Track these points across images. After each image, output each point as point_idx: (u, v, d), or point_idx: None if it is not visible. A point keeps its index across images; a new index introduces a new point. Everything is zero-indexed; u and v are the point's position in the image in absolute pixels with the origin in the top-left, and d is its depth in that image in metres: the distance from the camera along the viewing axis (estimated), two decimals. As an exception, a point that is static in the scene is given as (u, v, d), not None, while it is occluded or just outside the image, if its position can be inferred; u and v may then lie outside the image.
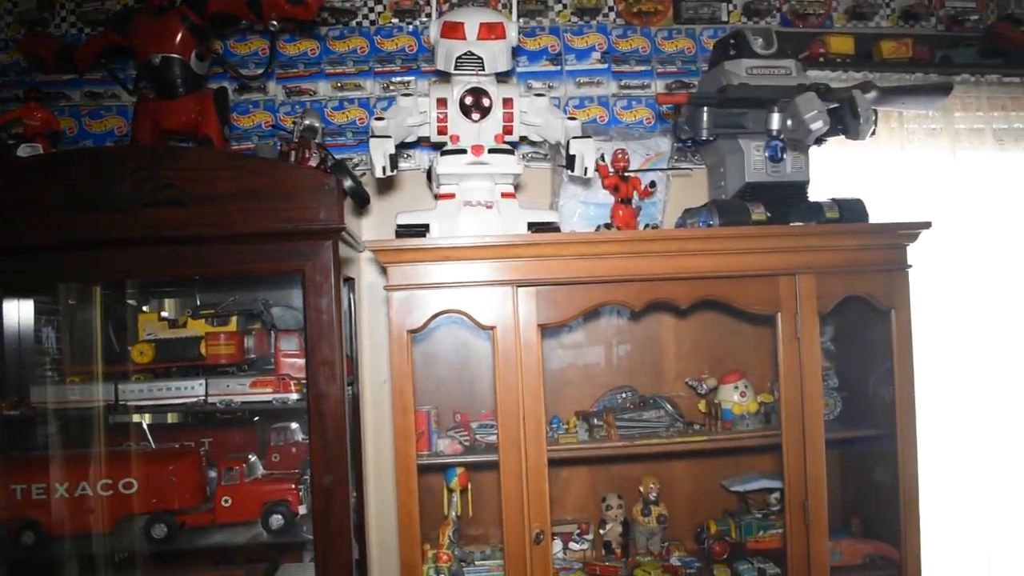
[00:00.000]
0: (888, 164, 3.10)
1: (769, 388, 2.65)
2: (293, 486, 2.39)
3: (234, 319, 2.50)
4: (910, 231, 2.49)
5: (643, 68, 3.02)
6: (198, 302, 2.65)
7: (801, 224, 2.51)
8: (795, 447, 2.45)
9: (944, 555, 3.18)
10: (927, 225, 2.48)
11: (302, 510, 2.36)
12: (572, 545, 2.72)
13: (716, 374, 2.71)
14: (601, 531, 2.74)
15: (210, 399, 2.36)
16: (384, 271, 2.33)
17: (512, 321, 2.34)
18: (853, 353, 2.78)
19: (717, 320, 2.87)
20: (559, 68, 3.01)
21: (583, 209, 2.79)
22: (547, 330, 2.40)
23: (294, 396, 2.37)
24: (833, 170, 2.98)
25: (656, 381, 2.86)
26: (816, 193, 2.61)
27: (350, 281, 2.68)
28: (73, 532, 2.36)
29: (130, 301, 2.60)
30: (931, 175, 3.15)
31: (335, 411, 2.24)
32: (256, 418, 2.71)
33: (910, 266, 2.51)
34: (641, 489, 2.72)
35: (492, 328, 2.34)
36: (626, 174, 2.51)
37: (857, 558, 2.62)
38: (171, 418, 2.73)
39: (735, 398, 2.63)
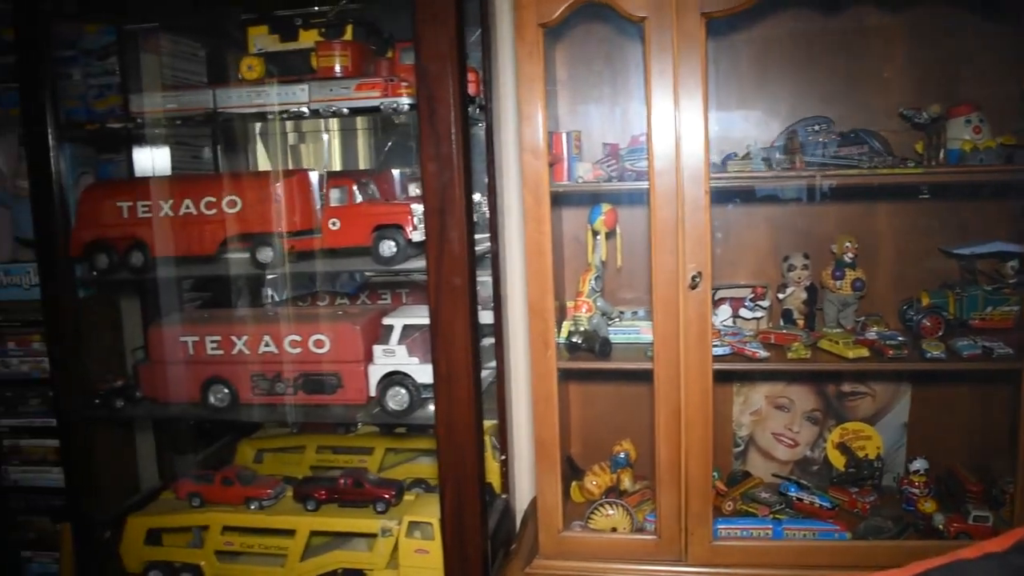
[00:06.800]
0: None
1: (1014, 131, 2.00)
2: (408, 211, 2.06)
3: (349, 28, 2.18)
4: None
5: None
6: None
7: None
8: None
9: None
10: None
11: (416, 236, 2.03)
12: (743, 312, 2.25)
13: (943, 105, 2.08)
14: (780, 296, 2.25)
15: (312, 105, 2.06)
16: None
17: (670, 8, 1.84)
18: None
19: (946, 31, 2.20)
20: None
21: None
22: (716, 24, 1.88)
23: (405, 100, 2.02)
24: None
25: (860, 113, 2.23)
26: None
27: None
28: (178, 254, 2.21)
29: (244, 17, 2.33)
30: None
31: (445, 118, 1.87)
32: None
33: None
34: (834, 249, 2.19)
35: (643, 20, 1.86)
36: None
37: None
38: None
39: (967, 135, 2.01)
